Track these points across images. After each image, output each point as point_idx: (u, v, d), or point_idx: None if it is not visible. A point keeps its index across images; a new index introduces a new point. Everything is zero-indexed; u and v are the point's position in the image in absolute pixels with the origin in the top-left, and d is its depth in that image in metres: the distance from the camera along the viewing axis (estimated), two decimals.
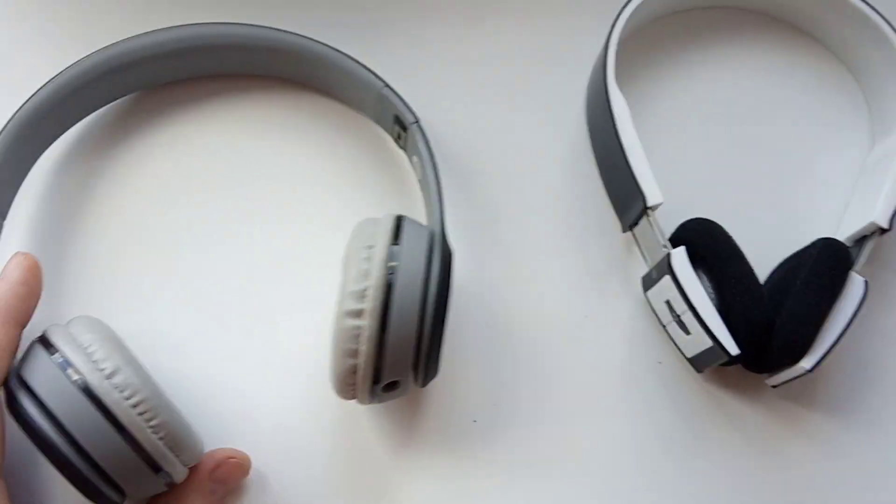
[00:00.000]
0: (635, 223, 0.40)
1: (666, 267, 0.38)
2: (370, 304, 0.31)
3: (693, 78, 0.47)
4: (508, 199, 0.43)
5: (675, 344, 0.40)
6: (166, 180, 0.43)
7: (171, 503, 0.33)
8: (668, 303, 0.39)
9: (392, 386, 0.34)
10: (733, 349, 0.36)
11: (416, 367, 0.33)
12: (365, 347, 0.32)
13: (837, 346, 0.37)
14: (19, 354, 0.33)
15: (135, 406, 0.30)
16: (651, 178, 0.39)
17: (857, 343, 0.41)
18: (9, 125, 0.37)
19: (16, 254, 0.33)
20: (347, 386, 0.33)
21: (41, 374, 0.30)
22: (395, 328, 0.32)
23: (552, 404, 0.40)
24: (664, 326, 0.41)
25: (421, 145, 0.38)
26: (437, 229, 0.35)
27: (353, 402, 0.35)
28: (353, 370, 0.32)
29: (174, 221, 0.42)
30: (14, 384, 0.31)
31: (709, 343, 0.37)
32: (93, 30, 0.44)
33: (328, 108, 0.44)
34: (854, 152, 0.46)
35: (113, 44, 0.40)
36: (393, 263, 0.32)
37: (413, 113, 0.39)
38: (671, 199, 0.42)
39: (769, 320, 0.37)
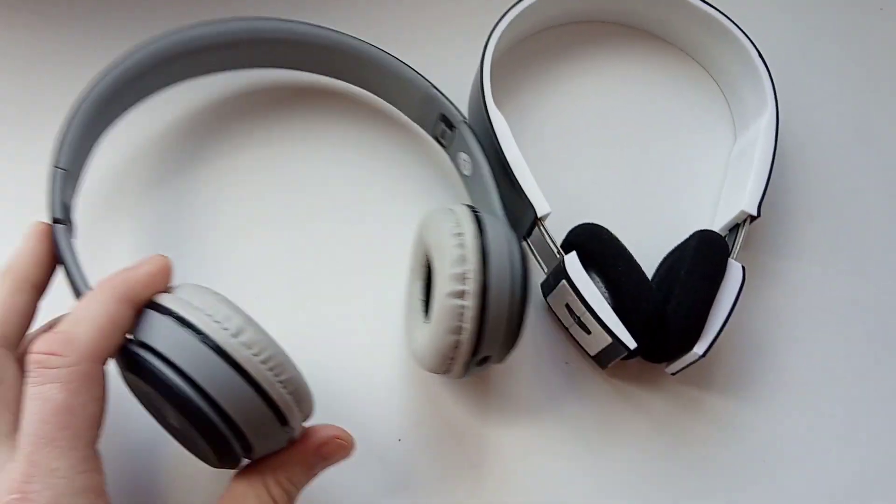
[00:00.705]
0: (529, 233, 0.42)
1: (561, 272, 0.39)
2: (472, 286, 0.34)
3: (568, 90, 0.50)
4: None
5: (579, 344, 0.42)
6: (236, 172, 0.45)
7: (273, 467, 0.33)
8: (567, 306, 0.41)
9: (484, 361, 0.37)
10: (631, 343, 0.38)
11: (505, 344, 0.36)
12: (469, 325, 0.34)
13: (726, 330, 0.40)
14: None
15: (264, 362, 0.31)
16: (537, 190, 0.40)
17: (743, 324, 0.44)
18: (86, 101, 0.39)
19: (157, 254, 0.34)
20: (447, 360, 0.36)
21: (165, 334, 0.31)
22: (493, 308, 0.35)
23: (475, 409, 0.41)
24: (567, 328, 0.42)
25: (472, 142, 0.41)
26: (503, 218, 0.38)
27: (427, 376, 0.38)
28: (456, 345, 0.35)
29: (242, 207, 0.44)
30: (136, 349, 0.31)
31: (608, 340, 0.39)
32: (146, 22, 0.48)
33: (367, 105, 0.47)
34: (721, 148, 0.49)
35: (160, 36, 0.42)
36: (486, 248, 0.35)
37: (461, 112, 0.42)
38: (560, 206, 0.44)
39: (660, 311, 0.39)
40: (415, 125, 0.46)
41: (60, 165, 0.37)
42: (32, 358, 0.29)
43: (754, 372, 0.44)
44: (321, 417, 0.36)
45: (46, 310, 0.35)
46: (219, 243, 0.43)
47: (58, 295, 0.35)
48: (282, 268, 0.43)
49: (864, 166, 0.50)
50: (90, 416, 0.29)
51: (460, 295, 0.34)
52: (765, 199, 0.43)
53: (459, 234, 0.35)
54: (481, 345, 0.35)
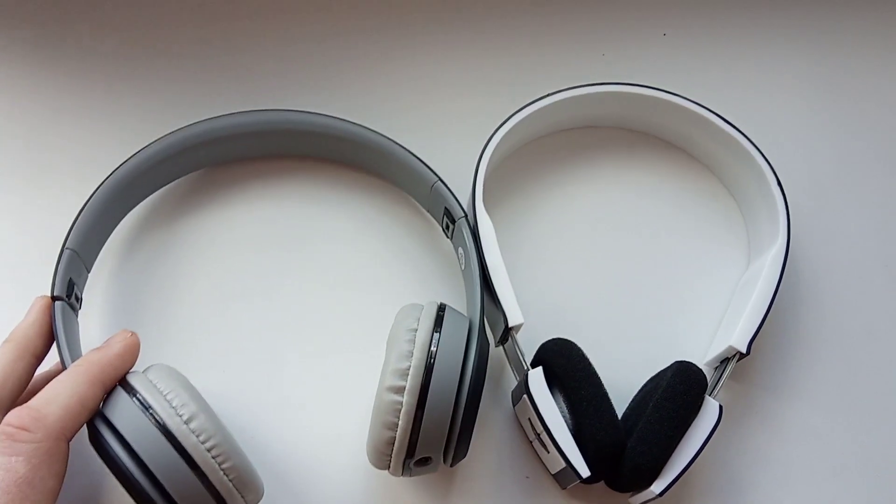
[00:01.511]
0: (504, 340, 0.42)
1: (524, 387, 0.39)
2: (411, 382, 0.34)
3: (570, 195, 0.49)
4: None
5: (541, 459, 0.41)
6: (230, 247, 0.47)
7: None
8: (529, 420, 0.40)
9: (424, 461, 0.36)
10: (584, 471, 0.37)
11: (447, 447, 0.36)
12: (402, 422, 0.34)
13: (698, 465, 0.38)
14: None
15: (209, 450, 0.33)
16: (512, 298, 0.40)
17: (721, 461, 0.42)
18: (99, 190, 0.42)
19: (124, 330, 0.38)
20: (383, 456, 0.36)
21: (125, 415, 0.33)
22: (431, 407, 0.34)
23: None
24: (531, 442, 0.41)
25: (467, 238, 0.42)
26: (477, 319, 0.38)
27: (384, 472, 0.38)
28: (390, 442, 0.35)
29: (235, 284, 0.46)
30: (99, 423, 0.34)
31: (563, 463, 0.38)
32: (172, 112, 0.50)
33: (384, 191, 0.48)
34: (732, 270, 0.47)
35: (187, 125, 0.45)
36: (434, 348, 0.35)
37: (462, 207, 0.43)
38: (547, 315, 0.43)
39: (621, 443, 0.38)
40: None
41: (70, 246, 0.40)
42: (4, 430, 0.32)
43: None
44: (269, 497, 0.37)
45: None
46: (205, 313, 0.45)
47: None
48: (265, 339, 0.44)
49: (884, 309, 0.47)
50: (48, 489, 0.32)
51: (398, 391, 0.34)
52: (765, 334, 0.41)
53: (413, 330, 0.36)
54: (417, 443, 0.35)
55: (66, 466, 0.33)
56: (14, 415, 0.32)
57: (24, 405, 0.33)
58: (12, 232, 0.47)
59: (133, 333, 0.37)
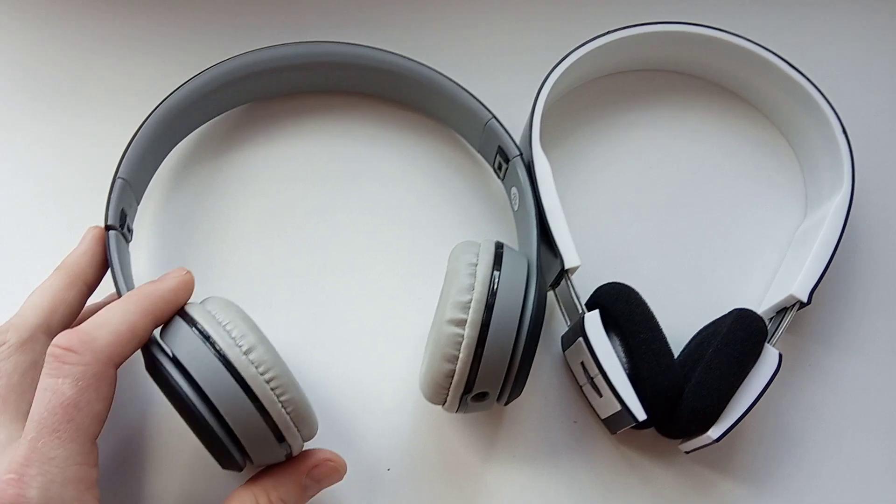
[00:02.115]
0: (557, 283, 0.41)
1: (580, 329, 0.38)
2: (472, 315, 0.34)
3: (626, 139, 0.48)
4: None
5: (591, 404, 0.41)
6: (277, 183, 0.46)
7: (267, 483, 0.35)
8: (582, 364, 0.39)
9: (480, 397, 0.36)
10: (640, 415, 0.37)
11: (505, 382, 0.35)
12: (463, 354, 0.34)
13: (752, 415, 0.37)
14: None
15: (268, 381, 0.33)
16: (569, 240, 0.39)
17: (774, 412, 0.42)
18: (148, 120, 0.41)
19: (180, 268, 0.37)
20: (441, 389, 0.35)
21: (185, 344, 0.33)
22: (493, 341, 0.34)
23: (475, 448, 0.40)
24: (580, 387, 0.41)
25: (522, 178, 0.40)
26: (534, 258, 0.38)
27: (434, 411, 0.38)
28: (450, 374, 0.35)
29: (282, 219, 0.45)
30: (158, 351, 0.34)
31: (618, 407, 0.37)
32: (221, 43, 0.49)
33: (432, 130, 0.47)
34: (788, 220, 0.46)
35: (235, 56, 0.44)
36: (495, 283, 0.34)
37: (517, 146, 0.41)
38: (598, 261, 0.43)
39: (678, 387, 0.37)
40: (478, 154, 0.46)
41: (122, 176, 0.39)
42: (52, 351, 0.31)
43: (779, 465, 0.41)
44: (321, 433, 0.37)
45: None
46: (252, 247, 0.44)
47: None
48: (313, 277, 0.44)
49: None
50: (94, 413, 0.31)
51: (460, 323, 0.34)
52: (825, 285, 0.40)
53: (473, 265, 0.35)
54: (476, 378, 0.34)
55: (113, 392, 0.33)
56: (63, 337, 0.32)
57: (74, 328, 0.32)
58: (57, 162, 0.46)
59: (188, 272, 0.36)
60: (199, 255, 0.44)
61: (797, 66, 0.45)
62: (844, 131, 0.44)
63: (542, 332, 0.42)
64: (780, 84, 0.46)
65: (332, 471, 0.36)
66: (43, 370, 0.31)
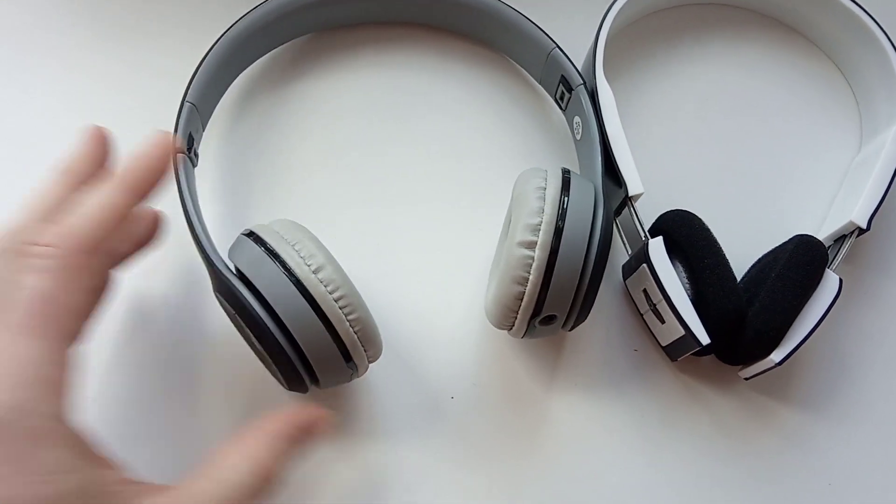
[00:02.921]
0: (618, 212, 0.41)
1: (643, 256, 0.38)
2: (543, 237, 0.34)
3: (682, 72, 0.48)
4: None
5: (652, 332, 0.41)
6: (339, 114, 0.46)
7: (264, 433, 0.31)
8: (644, 291, 0.40)
9: (548, 320, 0.36)
10: (704, 338, 0.37)
11: (573, 306, 0.36)
12: (534, 276, 0.34)
13: (810, 342, 0.38)
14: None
15: (337, 300, 0.33)
16: (633, 168, 0.39)
17: (832, 340, 0.42)
18: (214, 49, 0.41)
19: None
20: (510, 312, 0.36)
21: (254, 262, 0.33)
22: (562, 264, 0.34)
23: (537, 376, 0.41)
24: (641, 315, 0.41)
25: (586, 106, 0.41)
26: (600, 185, 0.38)
27: (497, 338, 0.38)
28: (519, 297, 0.35)
29: (344, 151, 0.45)
30: (226, 271, 0.34)
31: (681, 332, 0.38)
32: None
33: (491, 61, 0.48)
34: (843, 152, 0.46)
35: None
36: (564, 207, 0.35)
37: (580, 75, 0.42)
38: (657, 191, 0.43)
39: (742, 311, 0.38)
40: (538, 85, 0.46)
41: (190, 100, 0.40)
42: (28, 250, 0.29)
43: (836, 391, 0.41)
44: (384, 359, 0.37)
45: None
46: (315, 177, 0.45)
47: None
48: (374, 208, 0.44)
49: None
50: (73, 307, 0.29)
51: (530, 245, 0.34)
52: (879, 214, 0.41)
53: (542, 189, 0.35)
54: (546, 300, 0.35)
55: (101, 282, 0.32)
56: (39, 232, 0.29)
57: (56, 223, 0.30)
58: (124, 97, 0.46)
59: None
60: (261, 183, 0.44)
61: None
62: None
63: None
64: (836, 16, 0.46)
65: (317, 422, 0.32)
66: (18, 265, 0.29)
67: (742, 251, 0.42)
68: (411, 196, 0.44)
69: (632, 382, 0.41)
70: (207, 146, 0.44)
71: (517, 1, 0.45)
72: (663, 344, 0.40)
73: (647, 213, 0.41)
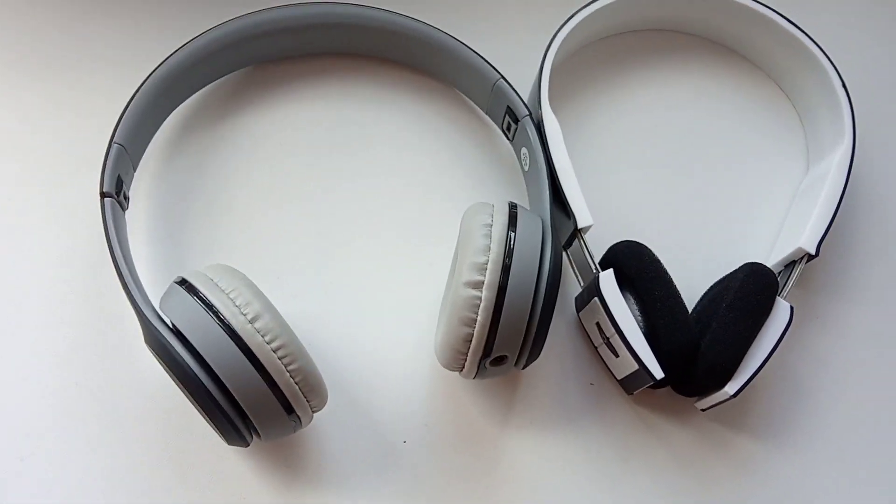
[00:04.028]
0: (569, 243, 0.40)
1: (594, 289, 0.38)
2: (490, 276, 0.33)
3: (631, 99, 0.47)
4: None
5: (607, 365, 0.40)
6: (282, 148, 0.45)
7: None
8: (597, 324, 0.39)
9: (499, 361, 0.35)
10: (658, 373, 0.36)
11: (524, 344, 0.34)
12: (481, 317, 0.33)
13: (765, 370, 0.37)
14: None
15: (275, 350, 0.31)
16: (581, 200, 0.39)
17: (787, 366, 0.42)
18: (146, 83, 0.40)
19: None
20: (459, 354, 0.34)
21: (186, 313, 0.31)
22: (511, 303, 0.33)
23: (492, 416, 0.40)
24: (596, 348, 0.41)
25: (532, 137, 0.40)
26: (548, 218, 0.37)
27: (449, 378, 0.36)
28: (468, 339, 0.34)
29: (288, 187, 0.44)
30: (158, 323, 0.32)
31: (635, 366, 0.37)
32: (221, 4, 0.47)
33: (437, 92, 0.46)
34: (792, 174, 0.46)
35: (237, 17, 0.43)
36: (511, 244, 0.34)
37: (526, 105, 0.41)
38: (608, 220, 0.42)
39: (694, 344, 0.37)
40: (487, 116, 0.46)
41: (118, 141, 0.38)
42: None
43: (793, 417, 0.41)
44: (331, 405, 0.36)
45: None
46: (256, 217, 0.43)
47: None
48: (320, 246, 0.43)
49: None
50: None
51: (477, 285, 0.33)
52: (829, 238, 0.41)
53: (488, 225, 0.34)
54: (495, 341, 0.34)
55: None
56: None
57: None
58: (49, 136, 0.44)
59: None
60: (200, 223, 0.42)
61: (795, 21, 0.45)
62: (844, 85, 0.44)
63: None
64: (778, 40, 0.46)
65: None
66: None
67: (694, 279, 0.41)
68: (358, 232, 0.43)
69: (588, 417, 0.40)
70: (141, 186, 0.43)
71: (463, 30, 0.44)
72: (619, 377, 0.40)
73: (601, 242, 0.40)
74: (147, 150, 0.42)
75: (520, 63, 0.43)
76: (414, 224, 0.43)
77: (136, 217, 0.42)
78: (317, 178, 0.44)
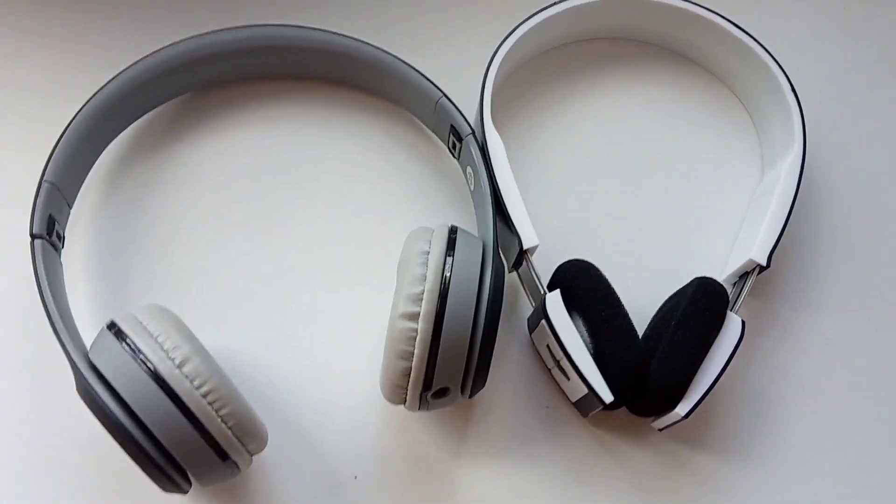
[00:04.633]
0: (518, 264, 0.39)
1: (542, 311, 0.37)
2: (425, 307, 0.32)
3: (581, 110, 0.46)
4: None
5: (561, 388, 0.40)
6: (223, 176, 0.43)
7: None
8: (548, 347, 0.38)
9: (441, 393, 0.34)
10: (607, 397, 0.36)
11: (466, 375, 0.34)
12: (418, 350, 0.32)
13: (722, 384, 0.37)
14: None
15: (205, 395, 0.31)
16: (526, 220, 0.38)
17: (744, 379, 0.41)
18: (77, 117, 0.39)
19: None
20: (398, 389, 0.33)
21: (113, 360, 0.31)
22: (448, 333, 0.32)
23: (445, 445, 0.39)
24: (549, 370, 0.40)
25: (476, 157, 0.39)
26: (490, 241, 0.36)
27: (400, 408, 0.35)
28: (406, 373, 0.33)
29: (230, 215, 0.43)
30: (86, 370, 0.31)
31: (585, 390, 0.36)
32: (155, 30, 0.46)
33: (385, 111, 0.45)
34: (747, 181, 0.45)
35: (172, 44, 0.42)
36: (448, 272, 0.33)
37: (469, 124, 0.40)
38: (559, 238, 0.41)
39: (643, 364, 0.36)
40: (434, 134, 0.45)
41: (49, 179, 0.37)
42: None
43: (753, 431, 0.40)
44: (278, 444, 0.35)
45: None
46: (198, 249, 0.42)
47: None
48: (265, 275, 0.42)
49: None
50: None
51: (413, 317, 0.32)
52: (785, 244, 0.40)
53: (425, 253, 0.34)
54: (434, 374, 0.33)
55: None
56: None
57: None
58: None
59: None
60: (142, 259, 0.41)
61: (743, 26, 0.44)
62: (794, 90, 0.43)
63: (508, 316, 0.41)
64: (728, 46, 0.45)
65: None
66: None
67: (652, 292, 0.40)
68: (304, 261, 0.42)
69: (545, 441, 0.40)
70: (80, 221, 0.42)
71: (410, 44, 0.43)
72: (572, 400, 0.39)
73: (554, 260, 0.39)
74: (86, 183, 0.41)
75: (471, 76, 0.42)
76: (362, 249, 0.42)
77: (75, 254, 0.41)
78: (259, 206, 0.43)
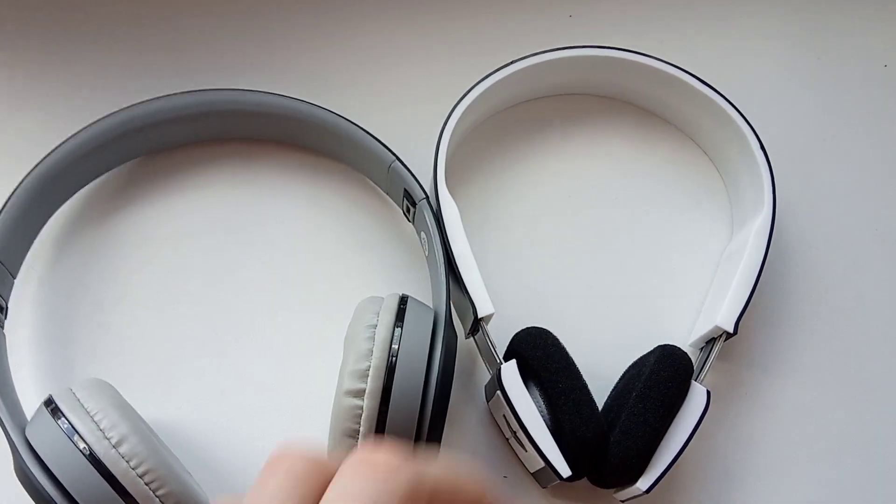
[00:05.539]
0: (475, 331, 0.38)
1: (497, 382, 0.36)
2: (371, 384, 0.31)
3: (545, 168, 0.46)
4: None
5: (519, 458, 0.38)
6: (173, 242, 0.43)
7: None
8: (505, 417, 0.37)
9: None
10: (565, 471, 0.34)
11: (416, 452, 0.32)
12: (364, 428, 0.31)
13: (691, 453, 0.36)
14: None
15: (142, 475, 0.30)
16: (481, 288, 0.37)
17: (712, 446, 0.40)
18: (20, 188, 0.38)
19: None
20: None
21: (49, 440, 0.30)
22: (395, 410, 0.31)
23: None
24: (507, 439, 0.39)
25: (429, 222, 0.38)
26: (443, 311, 0.35)
27: None
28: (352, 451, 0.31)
29: (181, 283, 0.42)
30: (22, 450, 0.31)
31: (542, 463, 0.35)
32: (99, 97, 0.45)
33: (340, 174, 0.44)
34: (716, 242, 0.44)
35: (120, 110, 0.41)
36: (395, 346, 0.32)
37: (423, 188, 0.39)
38: (520, 302, 0.40)
39: (603, 437, 0.35)
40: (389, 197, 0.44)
41: None
42: None
43: (721, 500, 0.39)
44: None
45: None
46: (148, 316, 0.41)
47: None
48: (218, 343, 0.41)
49: (875, 275, 0.44)
50: None
51: (358, 394, 0.31)
52: (752, 307, 0.39)
53: (372, 327, 0.33)
54: None
55: None
56: None
57: None
58: None
59: None
60: (86, 329, 0.40)
61: (710, 82, 0.44)
62: (762, 147, 0.42)
63: (465, 382, 0.40)
64: (693, 101, 0.44)
65: None
66: None
67: (616, 358, 0.39)
68: (258, 328, 0.41)
69: None
70: (27, 290, 0.41)
71: (361, 109, 0.42)
72: (531, 471, 0.38)
73: (512, 325, 0.38)
74: (31, 251, 0.40)
75: (428, 136, 0.41)
76: (315, 317, 0.41)
77: (22, 324, 0.40)
78: (211, 271, 0.42)
